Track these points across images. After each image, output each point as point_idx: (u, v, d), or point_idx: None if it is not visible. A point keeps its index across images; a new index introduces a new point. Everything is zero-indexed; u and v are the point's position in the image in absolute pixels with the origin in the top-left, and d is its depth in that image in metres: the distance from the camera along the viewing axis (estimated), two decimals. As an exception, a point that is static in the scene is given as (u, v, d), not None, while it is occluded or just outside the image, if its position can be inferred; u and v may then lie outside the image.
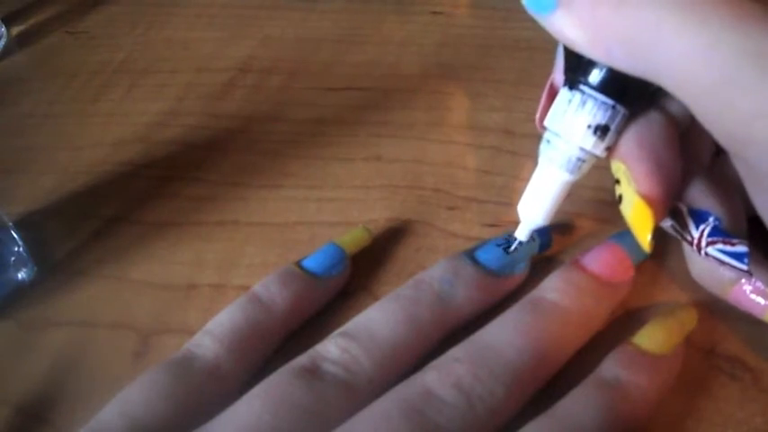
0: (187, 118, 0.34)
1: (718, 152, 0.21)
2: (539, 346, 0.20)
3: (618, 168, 0.19)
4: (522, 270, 0.23)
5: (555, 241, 0.25)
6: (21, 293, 0.26)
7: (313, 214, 0.28)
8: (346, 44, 0.37)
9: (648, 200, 0.18)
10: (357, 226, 0.26)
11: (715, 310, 0.22)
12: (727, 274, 0.20)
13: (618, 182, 0.19)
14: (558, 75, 0.20)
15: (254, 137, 0.32)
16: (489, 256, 0.23)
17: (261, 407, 0.18)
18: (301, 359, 0.20)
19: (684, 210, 0.20)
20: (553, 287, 0.21)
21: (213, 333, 0.21)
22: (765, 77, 0.14)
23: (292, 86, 0.35)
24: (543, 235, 0.24)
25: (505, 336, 0.20)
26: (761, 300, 0.20)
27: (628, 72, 0.16)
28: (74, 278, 0.26)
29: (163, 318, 0.25)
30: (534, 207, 0.20)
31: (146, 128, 0.33)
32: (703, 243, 0.19)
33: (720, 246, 0.19)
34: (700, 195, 0.20)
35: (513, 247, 0.23)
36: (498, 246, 0.23)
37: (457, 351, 0.20)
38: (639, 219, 0.18)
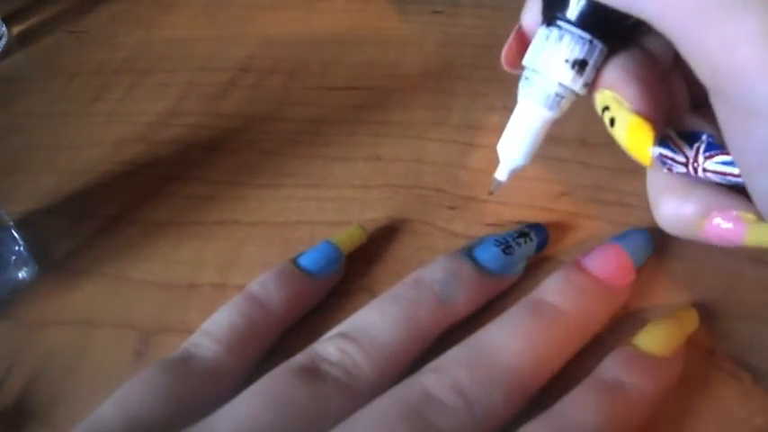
0: (187, 117, 0.34)
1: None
2: (538, 349, 0.20)
3: (605, 96, 0.19)
4: (519, 271, 0.23)
5: (555, 241, 0.25)
6: (21, 293, 0.26)
7: (313, 214, 0.28)
8: (346, 44, 0.37)
9: (644, 115, 0.17)
10: (352, 224, 0.26)
11: (715, 310, 0.22)
12: (693, 209, 0.19)
13: (606, 109, 0.18)
14: (528, 16, 0.20)
15: (255, 136, 0.32)
16: (488, 256, 0.23)
17: (261, 405, 0.18)
18: (300, 358, 0.20)
19: (673, 134, 0.19)
20: (554, 289, 0.21)
21: (212, 333, 0.21)
22: (749, 1, 0.13)
23: (292, 86, 0.35)
24: (540, 235, 0.24)
25: (505, 339, 0.20)
26: (735, 225, 0.19)
27: (613, 5, 0.16)
28: (74, 277, 0.26)
29: (163, 317, 0.25)
30: (514, 145, 0.20)
31: (146, 127, 0.33)
32: (700, 160, 0.19)
33: (719, 158, 0.18)
34: (687, 121, 0.19)
35: (493, 188, 0.22)
36: (497, 245, 0.23)
37: (456, 353, 0.19)
38: (637, 135, 0.17)
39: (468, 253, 0.23)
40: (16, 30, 0.42)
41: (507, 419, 0.19)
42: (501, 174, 0.21)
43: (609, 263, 0.22)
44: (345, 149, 0.31)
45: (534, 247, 0.24)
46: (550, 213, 0.26)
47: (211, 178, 0.30)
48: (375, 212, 0.27)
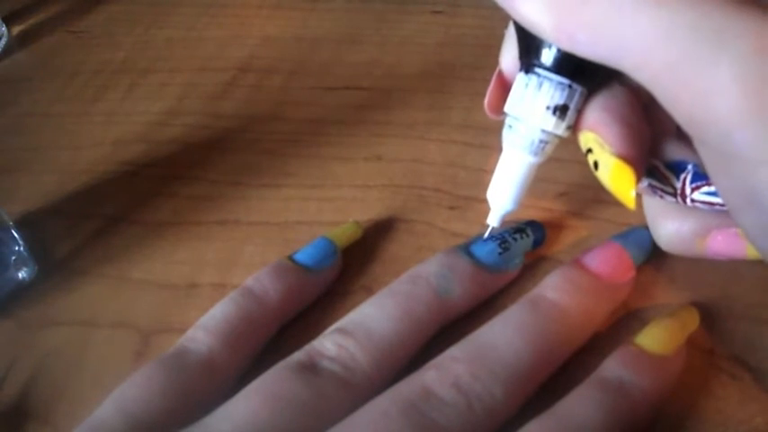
0: (187, 117, 0.34)
1: None
2: (538, 346, 0.20)
3: (588, 138, 0.19)
4: (516, 266, 0.23)
5: (555, 240, 0.25)
6: (21, 293, 0.26)
7: (313, 214, 0.28)
8: (346, 44, 0.37)
9: (625, 158, 0.18)
10: (348, 221, 0.26)
11: (715, 310, 0.22)
12: (692, 228, 0.20)
13: (590, 151, 0.19)
14: (506, 58, 0.20)
15: (255, 136, 0.32)
16: (484, 251, 0.23)
17: (259, 402, 0.18)
18: (298, 355, 0.20)
19: (660, 165, 0.20)
20: (553, 286, 0.21)
21: (206, 327, 0.21)
22: (720, 54, 0.14)
23: (292, 86, 0.35)
24: (537, 231, 0.24)
25: (505, 335, 0.20)
26: (736, 242, 0.20)
27: (589, 57, 0.16)
28: (74, 277, 0.26)
29: (163, 317, 0.25)
30: (503, 192, 0.21)
31: (146, 127, 0.33)
32: (687, 191, 0.19)
33: (705, 188, 0.19)
34: (672, 150, 0.20)
35: (486, 234, 0.23)
36: (493, 241, 0.23)
37: (456, 350, 0.20)
38: (619, 178, 0.18)
39: (465, 249, 0.23)
40: (16, 30, 0.42)
41: (508, 415, 0.19)
42: (493, 220, 0.22)
43: (607, 260, 0.22)
44: (346, 149, 0.31)
45: (531, 243, 0.24)
46: (550, 213, 0.26)
47: (212, 178, 0.30)
48: (375, 212, 0.27)
